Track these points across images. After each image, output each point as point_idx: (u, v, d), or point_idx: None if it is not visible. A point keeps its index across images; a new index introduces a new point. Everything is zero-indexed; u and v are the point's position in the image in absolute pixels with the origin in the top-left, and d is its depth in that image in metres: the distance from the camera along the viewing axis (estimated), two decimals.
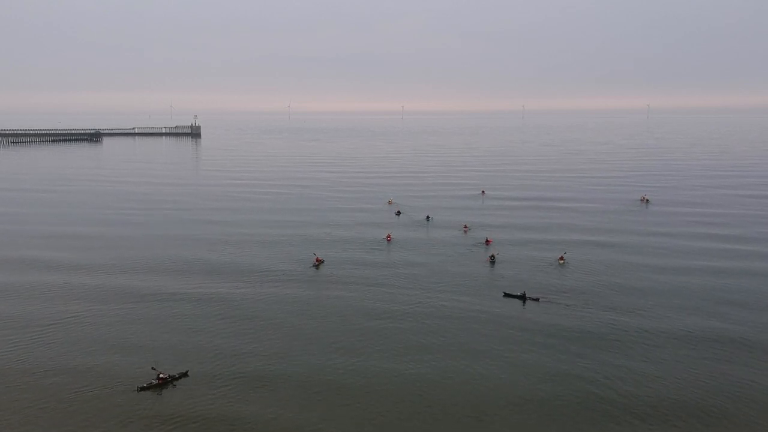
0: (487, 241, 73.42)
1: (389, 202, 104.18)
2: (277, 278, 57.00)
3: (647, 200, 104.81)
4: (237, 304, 49.48)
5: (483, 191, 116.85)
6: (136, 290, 53.82)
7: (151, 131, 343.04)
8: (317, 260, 63.91)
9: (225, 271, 59.31)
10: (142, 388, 35.09)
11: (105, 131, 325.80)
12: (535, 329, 43.88)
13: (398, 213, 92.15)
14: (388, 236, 76.08)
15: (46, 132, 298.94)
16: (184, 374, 36.75)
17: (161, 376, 35.75)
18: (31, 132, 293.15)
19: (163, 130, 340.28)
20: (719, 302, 49.93)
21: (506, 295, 52.84)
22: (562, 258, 65.26)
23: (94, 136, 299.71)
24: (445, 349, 40.36)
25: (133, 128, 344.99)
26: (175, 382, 35.86)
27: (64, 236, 76.81)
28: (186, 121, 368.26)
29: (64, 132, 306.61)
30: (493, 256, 65.52)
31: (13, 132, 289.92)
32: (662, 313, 47.13)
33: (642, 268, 59.99)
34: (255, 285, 54.64)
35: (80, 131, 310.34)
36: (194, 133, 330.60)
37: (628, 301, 49.85)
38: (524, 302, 50.98)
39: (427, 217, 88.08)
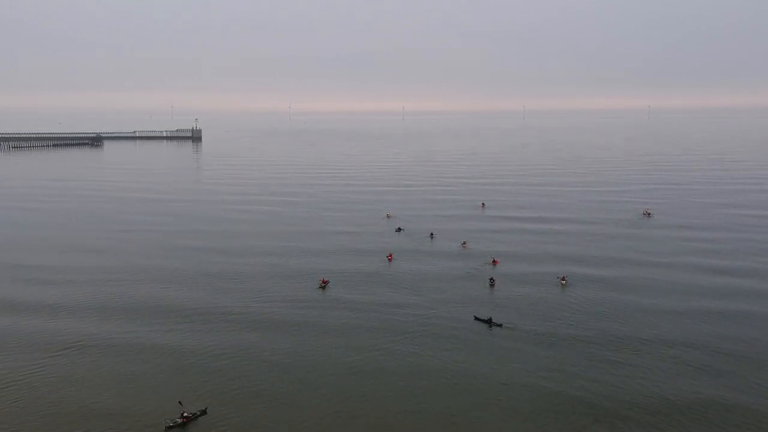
0: (494, 261, 73.85)
1: (388, 216, 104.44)
2: (275, 315, 55.32)
3: (649, 214, 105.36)
4: (238, 348, 49.16)
5: (483, 204, 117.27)
6: (133, 328, 53.47)
7: (151, 135, 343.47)
8: (323, 282, 64.87)
9: (223, 311, 56.42)
10: (169, 428, 36.20)
11: (106, 135, 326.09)
12: (526, 387, 41.51)
13: (399, 230, 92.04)
14: (389, 256, 76.53)
15: (47, 136, 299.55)
16: (204, 412, 38.03)
17: (185, 414, 36.99)
18: (32, 136, 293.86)
19: (164, 134, 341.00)
20: (718, 354, 46.60)
21: (476, 319, 54.59)
22: (564, 279, 65.97)
23: (95, 140, 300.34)
24: (435, 420, 37.76)
25: (134, 132, 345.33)
26: (196, 420, 37.16)
27: (40, 268, 71.26)
28: (186, 122, 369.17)
29: (65, 136, 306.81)
30: (492, 279, 66.11)
31: (14, 136, 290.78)
32: (655, 366, 44.23)
33: (638, 310, 56.67)
34: (251, 327, 52.54)
35: (81, 135, 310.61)
36: (195, 136, 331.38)
37: (620, 354, 46.60)
38: (490, 327, 52.58)
39: (431, 235, 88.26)
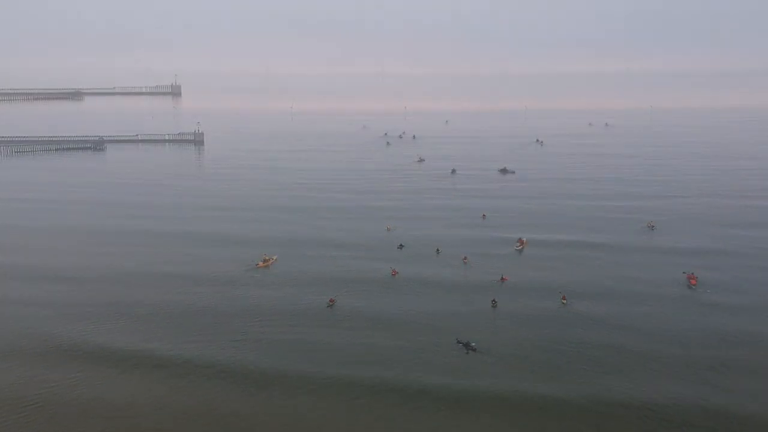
0: (502, 278, 75.02)
1: (387, 229, 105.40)
2: (266, 361, 55.41)
3: (653, 227, 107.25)
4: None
5: (484, 215, 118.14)
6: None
7: (154, 138, 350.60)
8: (330, 300, 66.50)
9: (209, 358, 55.45)
10: None
11: (108, 138, 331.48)
12: None
13: (400, 246, 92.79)
14: (393, 271, 77.62)
15: (50, 139, 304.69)
16: None
17: None
18: (35, 139, 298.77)
19: (167, 137, 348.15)
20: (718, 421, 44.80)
21: (458, 342, 58.37)
22: (564, 298, 67.20)
23: (97, 144, 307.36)
24: None
25: (137, 135, 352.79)
26: None
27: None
28: (188, 126, 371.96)
29: (68, 139, 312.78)
30: (494, 300, 67.14)
31: (16, 139, 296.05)
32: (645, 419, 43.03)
33: (641, 356, 55.62)
34: (240, 376, 51.61)
35: (84, 138, 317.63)
36: (197, 140, 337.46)
37: (613, 422, 45.48)
38: (467, 351, 56.55)
39: (437, 251, 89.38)
